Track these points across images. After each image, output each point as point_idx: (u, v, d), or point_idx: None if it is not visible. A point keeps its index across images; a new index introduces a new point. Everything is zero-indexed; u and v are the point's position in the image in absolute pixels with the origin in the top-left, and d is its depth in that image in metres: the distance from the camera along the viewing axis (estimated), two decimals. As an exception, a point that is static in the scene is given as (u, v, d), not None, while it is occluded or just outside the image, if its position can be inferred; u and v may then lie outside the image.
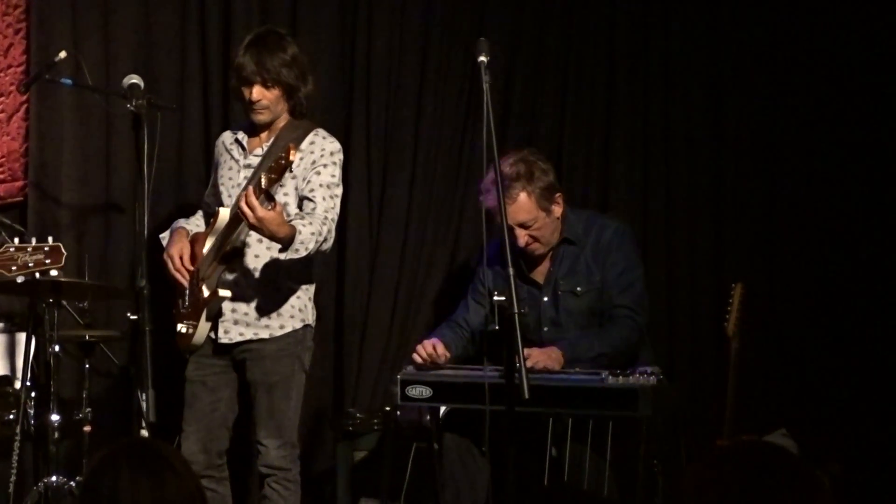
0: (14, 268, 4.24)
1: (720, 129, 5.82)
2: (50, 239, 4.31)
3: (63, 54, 4.87)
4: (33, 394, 5.07)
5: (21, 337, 5.25)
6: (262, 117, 4.64)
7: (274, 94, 4.59)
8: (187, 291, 4.62)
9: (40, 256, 4.27)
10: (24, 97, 5.55)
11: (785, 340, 5.66)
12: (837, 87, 5.69)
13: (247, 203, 4.23)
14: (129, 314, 4.22)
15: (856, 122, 5.68)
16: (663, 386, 4.40)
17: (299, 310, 4.68)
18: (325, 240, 4.51)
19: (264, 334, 4.63)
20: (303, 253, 4.41)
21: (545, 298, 4.89)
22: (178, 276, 4.61)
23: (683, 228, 5.81)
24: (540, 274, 4.93)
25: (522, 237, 4.78)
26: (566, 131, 5.86)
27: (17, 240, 4.38)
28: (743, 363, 4.87)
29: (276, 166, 4.22)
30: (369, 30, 5.82)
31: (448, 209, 5.83)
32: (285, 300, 4.65)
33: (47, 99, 5.58)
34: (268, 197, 4.25)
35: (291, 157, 4.18)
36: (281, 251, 4.43)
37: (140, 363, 3.97)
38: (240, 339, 4.64)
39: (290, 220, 4.43)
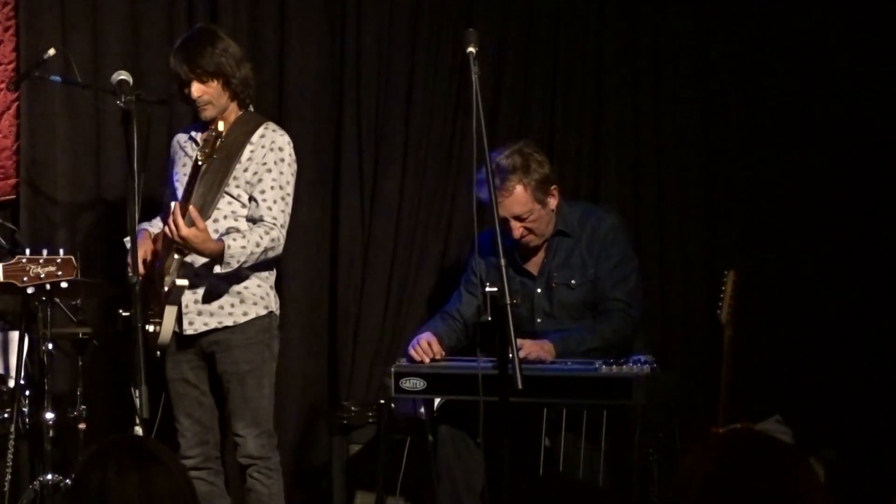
0: (25, 279, 4.27)
1: (711, 117, 5.82)
2: (61, 251, 4.32)
3: (52, 51, 4.86)
4: (27, 392, 5.06)
5: (14, 335, 5.24)
6: (208, 113, 4.69)
7: (212, 87, 4.66)
8: (151, 292, 4.64)
9: (52, 268, 4.29)
10: (15, 94, 5.54)
11: (778, 327, 5.67)
12: (829, 75, 5.69)
13: (172, 221, 4.38)
14: (121, 311, 4.22)
15: (849, 109, 5.67)
16: (657, 374, 4.41)
17: (261, 297, 4.71)
18: (271, 248, 4.61)
19: (228, 322, 4.67)
20: (234, 266, 4.54)
21: (539, 290, 4.89)
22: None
23: (675, 216, 5.81)
24: (534, 265, 4.93)
25: (517, 229, 4.78)
26: (557, 121, 5.86)
27: (29, 251, 4.37)
28: (736, 350, 4.87)
29: (208, 140, 4.33)
30: (358, 22, 5.81)
31: (440, 201, 5.83)
32: (246, 289, 4.69)
33: (38, 96, 5.57)
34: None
35: (220, 129, 4.29)
36: (216, 265, 4.54)
37: (133, 360, 3.97)
38: (205, 328, 4.67)
39: (227, 234, 4.57)
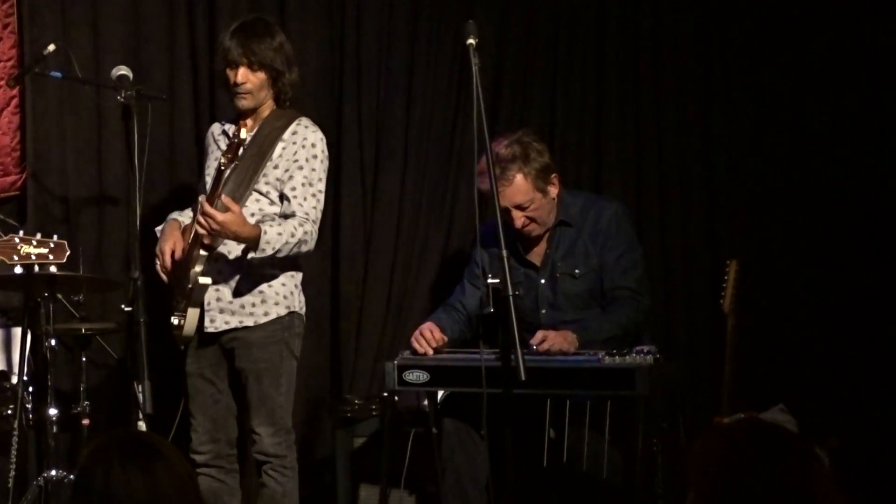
0: (15, 257, 4.25)
1: (712, 107, 5.81)
2: (55, 237, 4.31)
3: (52, 47, 4.86)
4: (31, 388, 5.06)
5: (17, 332, 5.24)
6: (245, 102, 4.65)
7: (259, 77, 4.61)
8: (178, 284, 4.63)
9: (44, 250, 4.28)
10: (14, 91, 5.53)
11: (781, 316, 5.66)
12: (830, 62, 5.68)
13: (204, 213, 4.33)
14: (123, 306, 4.22)
15: (851, 98, 5.66)
16: (660, 364, 4.40)
17: (284, 297, 4.68)
18: (304, 241, 4.56)
19: (249, 322, 4.64)
20: (269, 252, 4.49)
21: (542, 281, 4.88)
22: (161, 274, 4.63)
23: (677, 206, 5.80)
24: (537, 256, 4.92)
25: (519, 219, 4.77)
26: (558, 112, 5.86)
27: (21, 232, 4.37)
28: (740, 340, 4.87)
29: (230, 146, 4.32)
30: (358, 15, 5.82)
31: (441, 193, 5.83)
32: (269, 288, 4.65)
33: (42, 92, 5.57)
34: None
35: (243, 135, 4.28)
36: (250, 251, 4.50)
37: (136, 355, 3.97)
38: (226, 327, 4.65)
39: (262, 221, 4.52)
